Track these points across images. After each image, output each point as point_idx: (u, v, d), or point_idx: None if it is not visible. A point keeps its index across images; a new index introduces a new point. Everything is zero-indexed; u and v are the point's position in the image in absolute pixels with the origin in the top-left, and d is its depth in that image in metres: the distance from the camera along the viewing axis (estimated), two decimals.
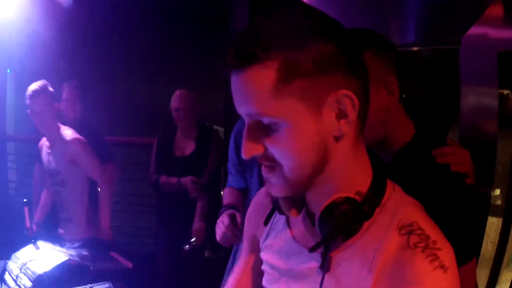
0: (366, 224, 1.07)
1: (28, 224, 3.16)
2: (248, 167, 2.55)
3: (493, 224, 5.79)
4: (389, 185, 1.14)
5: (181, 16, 6.00)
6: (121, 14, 6.35)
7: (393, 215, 1.07)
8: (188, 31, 6.15)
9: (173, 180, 4.25)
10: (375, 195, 1.09)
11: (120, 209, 5.09)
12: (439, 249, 1.00)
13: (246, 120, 1.06)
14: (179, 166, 4.26)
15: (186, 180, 4.18)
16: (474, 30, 3.86)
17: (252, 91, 1.00)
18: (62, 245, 3.02)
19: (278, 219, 1.28)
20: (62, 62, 6.70)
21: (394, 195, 1.12)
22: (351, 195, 1.05)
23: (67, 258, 2.64)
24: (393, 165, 1.61)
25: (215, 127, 4.57)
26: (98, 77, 6.84)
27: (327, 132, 1.02)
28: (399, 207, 1.09)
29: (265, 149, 1.04)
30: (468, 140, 4.03)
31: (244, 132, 1.06)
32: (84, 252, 2.95)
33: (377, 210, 1.08)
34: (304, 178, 1.05)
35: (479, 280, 4.50)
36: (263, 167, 1.08)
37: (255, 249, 1.36)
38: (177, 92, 4.34)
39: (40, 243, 2.88)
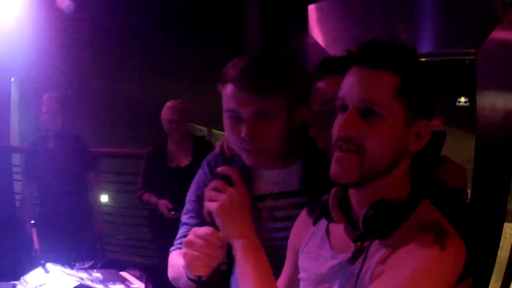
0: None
1: (36, 245, 3.09)
2: None
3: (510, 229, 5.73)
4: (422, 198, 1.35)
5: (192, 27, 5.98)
6: (123, 23, 6.33)
7: (420, 218, 1.28)
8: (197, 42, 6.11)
9: (153, 199, 4.29)
10: (411, 203, 1.30)
11: (129, 222, 5.03)
12: (448, 236, 1.23)
13: (352, 106, 1.27)
14: (174, 178, 4.19)
15: (161, 204, 4.20)
16: (493, 36, 3.81)
17: (379, 86, 1.26)
18: (71, 267, 2.91)
19: (319, 230, 1.49)
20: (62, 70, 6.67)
21: (423, 203, 1.34)
22: (394, 200, 1.28)
23: (78, 283, 2.54)
24: None
25: (215, 131, 4.63)
26: (97, 85, 6.83)
27: (406, 142, 1.29)
28: (426, 213, 1.31)
29: (359, 134, 1.26)
30: (484, 145, 3.99)
31: (347, 113, 1.27)
32: (95, 274, 2.85)
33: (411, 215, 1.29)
34: (378, 168, 1.28)
35: (493, 286, 4.43)
36: (339, 150, 1.29)
37: (296, 261, 1.56)
38: (169, 104, 4.33)
39: (49, 265, 2.78)
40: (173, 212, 4.07)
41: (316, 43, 4.83)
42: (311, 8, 4.88)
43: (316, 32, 4.86)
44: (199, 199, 1.96)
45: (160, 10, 5.72)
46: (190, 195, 2.09)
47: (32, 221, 3.38)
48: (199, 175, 2.10)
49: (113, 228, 6.07)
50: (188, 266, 1.53)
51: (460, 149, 5.64)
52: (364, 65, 1.29)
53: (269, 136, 1.67)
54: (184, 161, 4.30)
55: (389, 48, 1.30)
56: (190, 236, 1.51)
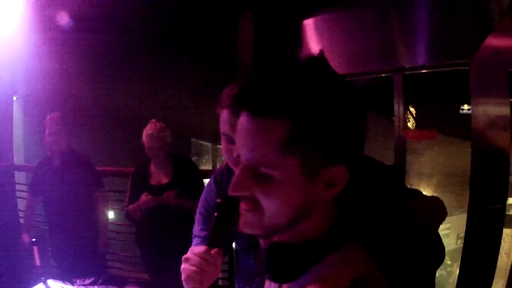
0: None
1: (37, 262, 3.15)
2: None
3: (507, 235, 5.74)
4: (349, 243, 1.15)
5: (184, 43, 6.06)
6: (124, 41, 6.41)
7: (334, 268, 1.11)
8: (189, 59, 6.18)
9: (135, 205, 4.37)
10: (313, 248, 1.13)
11: (132, 239, 5.06)
12: None
13: (243, 164, 1.10)
14: (155, 195, 4.31)
15: (141, 199, 4.31)
16: (486, 45, 3.87)
17: (261, 138, 1.05)
18: (72, 283, 2.96)
19: None
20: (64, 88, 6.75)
21: (349, 252, 1.13)
22: (292, 243, 1.14)
23: None
24: None
25: (219, 146, 4.71)
26: (100, 103, 6.90)
27: (313, 195, 1.08)
28: (347, 264, 1.12)
29: (253, 192, 1.08)
30: (479, 152, 4.04)
31: (238, 172, 1.11)
32: None
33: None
34: (279, 226, 1.11)
35: None
36: (243, 203, 1.12)
37: None
38: (149, 131, 4.42)
39: (50, 282, 2.83)
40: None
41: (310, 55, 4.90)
42: (306, 23, 4.96)
43: (310, 47, 4.93)
44: (207, 212, 2.18)
45: (159, 27, 5.81)
46: (199, 209, 2.25)
47: (33, 239, 3.44)
48: (206, 190, 2.25)
49: (117, 245, 6.12)
50: (186, 279, 1.66)
51: (464, 157, 5.67)
52: (248, 114, 1.07)
53: None
54: (164, 179, 4.46)
55: (274, 88, 1.06)
56: (188, 254, 1.66)
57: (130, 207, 4.41)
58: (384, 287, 1.15)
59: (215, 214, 1.66)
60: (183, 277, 1.67)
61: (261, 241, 1.27)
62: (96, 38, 6.37)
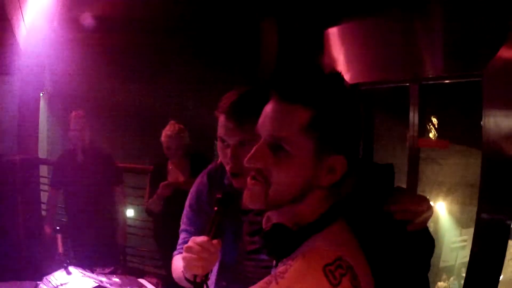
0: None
1: (60, 250, 3.27)
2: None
3: None
4: (334, 227, 1.34)
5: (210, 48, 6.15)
6: (146, 42, 6.52)
7: (317, 247, 1.27)
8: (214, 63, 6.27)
9: (154, 197, 4.50)
10: (303, 233, 1.31)
11: (151, 235, 5.19)
12: (282, 277, 1.22)
13: (263, 139, 1.31)
14: (173, 192, 4.46)
15: (161, 187, 4.45)
16: (499, 55, 3.89)
17: (288, 121, 1.27)
18: (92, 271, 3.09)
19: None
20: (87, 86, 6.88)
21: (329, 235, 1.32)
22: (288, 225, 1.32)
23: (96, 284, 2.71)
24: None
25: None
26: (124, 101, 7.02)
27: (316, 178, 1.30)
28: (328, 244, 1.29)
29: (266, 165, 1.29)
30: (489, 164, 4.06)
31: (257, 145, 1.32)
32: (114, 279, 3.01)
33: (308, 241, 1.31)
34: (283, 199, 1.31)
35: None
36: (250, 178, 1.34)
37: None
38: (168, 132, 4.59)
39: (71, 268, 2.96)
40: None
41: (331, 66, 4.97)
42: (328, 31, 5.04)
43: (332, 55, 5.01)
44: (197, 206, 2.26)
45: (181, 28, 5.90)
46: (188, 202, 2.33)
47: (58, 227, 3.59)
48: (197, 184, 2.31)
49: (136, 240, 6.25)
50: (187, 266, 1.77)
51: None
52: (278, 98, 1.30)
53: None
54: (182, 177, 4.58)
55: (304, 82, 1.30)
56: (190, 243, 1.76)
57: (150, 200, 4.54)
58: (365, 270, 1.32)
59: (215, 208, 1.80)
60: (184, 264, 1.78)
61: (263, 222, 1.43)
62: (119, 38, 6.50)
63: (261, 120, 1.33)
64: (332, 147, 1.28)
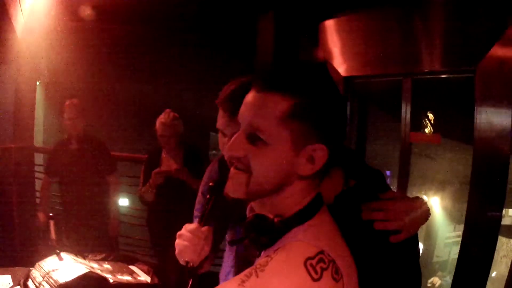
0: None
1: (53, 236, 3.30)
2: None
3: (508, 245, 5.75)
4: (313, 221, 1.32)
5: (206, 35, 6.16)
6: (143, 33, 6.53)
7: (283, 241, 1.29)
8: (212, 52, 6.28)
9: (147, 185, 4.54)
10: (285, 225, 1.31)
11: (142, 223, 5.22)
12: (262, 270, 1.21)
13: (242, 128, 1.32)
14: (166, 180, 4.50)
15: (153, 174, 4.48)
16: (491, 54, 3.91)
17: (265, 111, 1.26)
18: (84, 257, 3.11)
19: None
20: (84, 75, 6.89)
21: (306, 227, 1.31)
22: (270, 216, 1.32)
23: (88, 270, 2.73)
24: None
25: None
26: (119, 91, 7.03)
27: (295, 167, 1.29)
28: (290, 238, 1.29)
29: (245, 155, 1.30)
30: (480, 161, 4.09)
31: (236, 134, 1.33)
32: (106, 265, 3.04)
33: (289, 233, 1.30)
34: (264, 188, 1.31)
35: None
36: (233, 168, 1.34)
37: None
38: (162, 119, 4.64)
39: (63, 254, 2.97)
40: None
41: (326, 59, 4.98)
42: (324, 24, 5.05)
43: (327, 47, 5.02)
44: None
45: (180, 20, 5.91)
46: (200, 189, 2.39)
47: (50, 214, 3.62)
48: (209, 171, 2.38)
49: (129, 229, 6.28)
50: (178, 253, 1.81)
51: None
52: (257, 88, 1.30)
53: None
54: (174, 166, 4.60)
55: (282, 71, 1.30)
56: (182, 230, 1.81)
57: (143, 188, 4.57)
58: (348, 262, 1.32)
59: (207, 196, 1.84)
60: (176, 251, 1.81)
61: (247, 212, 1.47)
62: (117, 28, 6.51)
63: (241, 109, 1.33)
64: (311, 136, 1.27)
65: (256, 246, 1.37)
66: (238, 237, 2.03)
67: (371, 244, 1.60)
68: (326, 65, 1.40)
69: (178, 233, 1.82)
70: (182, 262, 1.81)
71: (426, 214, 1.72)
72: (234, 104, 1.88)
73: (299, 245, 1.26)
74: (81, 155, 4.98)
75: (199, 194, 2.38)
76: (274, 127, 1.26)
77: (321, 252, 1.23)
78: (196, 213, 2.37)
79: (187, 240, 1.77)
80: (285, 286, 1.18)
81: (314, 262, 1.21)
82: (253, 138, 1.28)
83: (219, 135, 2.06)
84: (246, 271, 1.25)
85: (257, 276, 1.21)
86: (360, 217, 1.64)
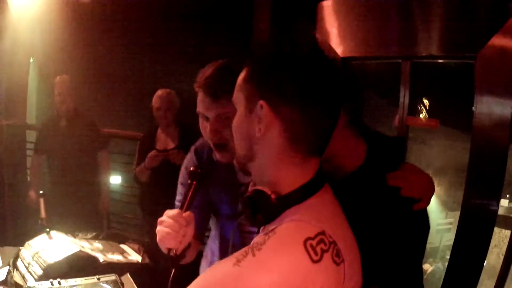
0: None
1: (43, 215, 3.26)
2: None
3: (506, 237, 5.77)
4: (312, 199, 1.30)
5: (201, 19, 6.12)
6: (137, 11, 6.47)
7: (281, 220, 1.27)
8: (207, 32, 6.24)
9: (141, 166, 4.52)
10: (281, 203, 1.28)
11: (134, 201, 5.19)
12: (259, 249, 1.18)
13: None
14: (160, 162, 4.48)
15: (149, 155, 4.46)
16: (493, 42, 3.88)
17: (238, 79, 1.38)
18: (74, 236, 3.07)
19: None
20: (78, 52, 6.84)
21: (306, 207, 1.28)
22: (268, 192, 1.29)
23: (78, 249, 2.70)
24: (344, 187, 1.63)
25: None
26: (112, 69, 6.98)
27: (252, 129, 1.30)
28: (289, 217, 1.26)
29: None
30: (478, 150, 4.07)
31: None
32: (96, 244, 3.00)
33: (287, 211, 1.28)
34: (239, 158, 1.39)
35: None
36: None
37: None
38: (159, 92, 4.64)
39: (53, 233, 2.94)
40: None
41: (324, 40, 4.93)
42: (322, 4, 4.99)
43: (325, 28, 4.96)
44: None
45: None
46: (180, 178, 2.30)
47: (41, 192, 3.57)
48: (187, 161, 2.31)
49: (123, 207, 6.25)
50: (160, 240, 1.77)
51: None
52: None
53: (230, 134, 1.69)
54: (170, 145, 4.59)
55: (257, 46, 1.42)
56: (163, 217, 1.77)
57: (137, 169, 4.54)
58: (350, 245, 1.30)
59: (189, 181, 1.82)
60: (157, 238, 1.77)
61: (249, 187, 1.42)
62: (111, 5, 6.46)
63: None
64: (259, 96, 1.28)
65: (252, 222, 1.35)
66: (225, 232, 1.99)
67: (390, 214, 1.64)
68: (289, 39, 1.37)
69: (159, 219, 1.78)
70: (163, 249, 1.78)
71: (434, 187, 1.77)
72: (215, 87, 1.87)
73: (298, 224, 1.22)
74: (70, 132, 4.95)
75: (179, 184, 2.30)
76: (236, 93, 1.36)
77: (322, 232, 1.20)
78: (177, 203, 2.28)
79: (168, 227, 1.73)
80: (283, 267, 1.14)
81: (314, 242, 1.17)
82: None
83: (200, 119, 2.02)
84: (242, 250, 1.22)
85: (254, 255, 1.18)
86: (381, 188, 1.67)
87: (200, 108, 1.97)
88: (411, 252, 1.71)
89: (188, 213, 1.76)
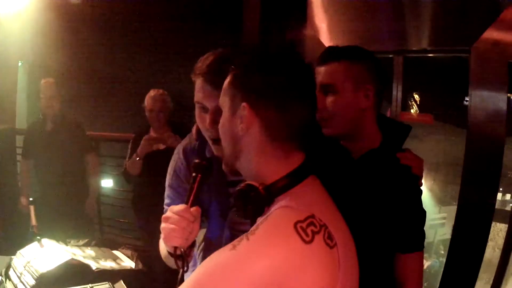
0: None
1: (34, 222, 3.22)
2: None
3: (501, 230, 5.76)
4: (298, 187, 1.37)
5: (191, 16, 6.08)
6: (128, 10, 6.44)
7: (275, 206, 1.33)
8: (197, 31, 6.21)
9: (133, 157, 4.44)
10: (269, 192, 1.36)
11: (129, 206, 5.13)
12: (252, 233, 1.25)
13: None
14: (153, 159, 4.40)
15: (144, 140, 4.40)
16: (486, 36, 3.86)
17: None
18: (66, 244, 3.03)
19: None
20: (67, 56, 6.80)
21: (294, 194, 1.35)
22: (256, 185, 1.37)
23: (69, 257, 2.65)
24: (358, 165, 1.99)
25: None
26: (102, 71, 6.94)
27: (235, 128, 1.41)
28: (278, 204, 1.33)
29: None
30: (474, 144, 4.05)
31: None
32: (88, 251, 2.96)
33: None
34: (228, 155, 1.47)
35: (485, 285, 4.50)
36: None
37: None
38: (151, 93, 4.59)
39: (44, 241, 2.90)
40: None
41: (314, 35, 4.90)
42: (312, 1, 4.95)
43: (315, 23, 4.93)
44: (176, 184, 2.12)
45: None
46: (168, 181, 2.18)
47: (31, 199, 3.54)
48: (174, 161, 2.18)
49: (114, 211, 6.18)
50: (165, 238, 1.67)
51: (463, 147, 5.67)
52: None
53: None
54: (162, 146, 4.47)
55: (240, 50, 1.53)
56: (168, 213, 1.67)
57: (129, 161, 4.49)
58: (342, 229, 1.37)
59: (193, 174, 1.74)
60: (163, 236, 1.68)
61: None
62: (101, 6, 6.42)
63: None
64: (241, 99, 1.39)
65: (243, 214, 1.41)
66: (210, 234, 1.95)
67: (404, 186, 1.95)
68: (274, 46, 1.49)
69: (164, 216, 1.68)
70: (169, 248, 1.68)
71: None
72: (216, 75, 1.74)
73: (286, 209, 1.29)
74: (56, 135, 4.90)
75: (167, 187, 2.17)
76: (222, 97, 1.47)
77: (311, 216, 1.26)
78: (166, 207, 2.13)
79: (175, 223, 1.64)
80: (276, 249, 1.20)
81: (304, 225, 1.23)
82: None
83: (197, 110, 1.89)
84: (238, 238, 1.28)
85: (248, 239, 1.24)
86: (395, 165, 1.97)
87: (198, 97, 1.85)
88: (418, 217, 1.99)
89: (195, 208, 1.68)
